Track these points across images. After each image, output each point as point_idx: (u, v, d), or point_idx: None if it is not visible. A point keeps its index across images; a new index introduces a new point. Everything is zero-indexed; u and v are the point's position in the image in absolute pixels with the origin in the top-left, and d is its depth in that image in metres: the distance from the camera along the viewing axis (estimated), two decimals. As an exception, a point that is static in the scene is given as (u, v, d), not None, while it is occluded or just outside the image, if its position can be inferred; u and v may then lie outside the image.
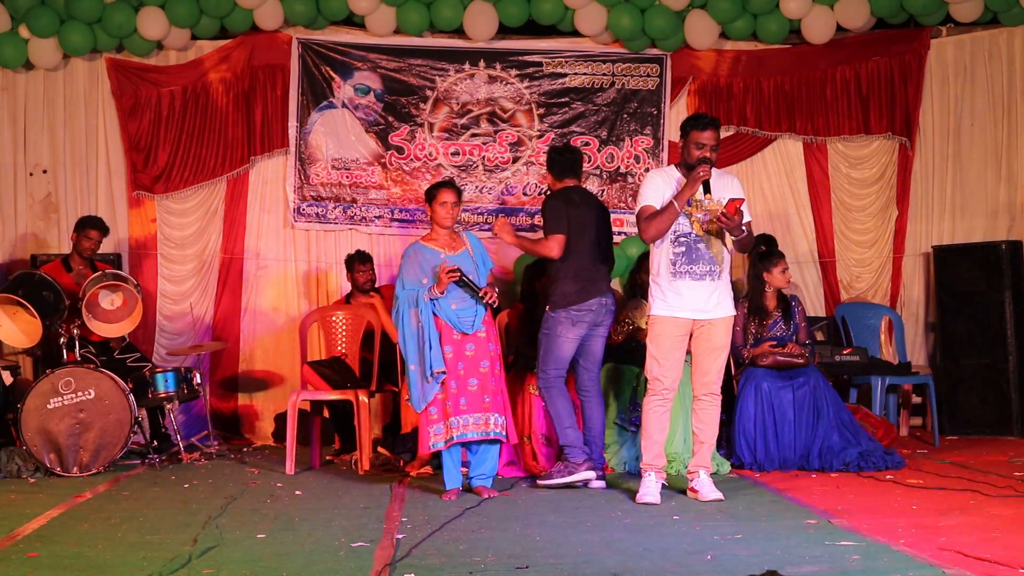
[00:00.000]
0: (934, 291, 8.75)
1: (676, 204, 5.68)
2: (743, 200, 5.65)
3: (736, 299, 7.42)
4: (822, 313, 8.84)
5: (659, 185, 5.84)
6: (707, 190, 5.66)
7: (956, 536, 4.57)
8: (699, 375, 5.90)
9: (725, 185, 5.84)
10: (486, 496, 5.87)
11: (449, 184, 6.22)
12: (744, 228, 5.68)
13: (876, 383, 7.76)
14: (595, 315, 6.25)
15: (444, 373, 5.87)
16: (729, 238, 5.79)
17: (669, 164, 8.64)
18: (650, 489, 5.78)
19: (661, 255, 5.83)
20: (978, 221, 8.88)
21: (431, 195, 6.15)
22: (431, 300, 5.91)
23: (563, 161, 6.56)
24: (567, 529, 4.98)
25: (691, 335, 5.87)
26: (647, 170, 8.54)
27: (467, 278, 5.91)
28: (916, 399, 8.69)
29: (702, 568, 4.14)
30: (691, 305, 5.78)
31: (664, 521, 5.17)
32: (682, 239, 5.77)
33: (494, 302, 5.95)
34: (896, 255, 8.94)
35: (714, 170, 5.80)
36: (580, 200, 6.41)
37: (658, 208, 5.75)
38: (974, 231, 8.86)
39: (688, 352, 5.98)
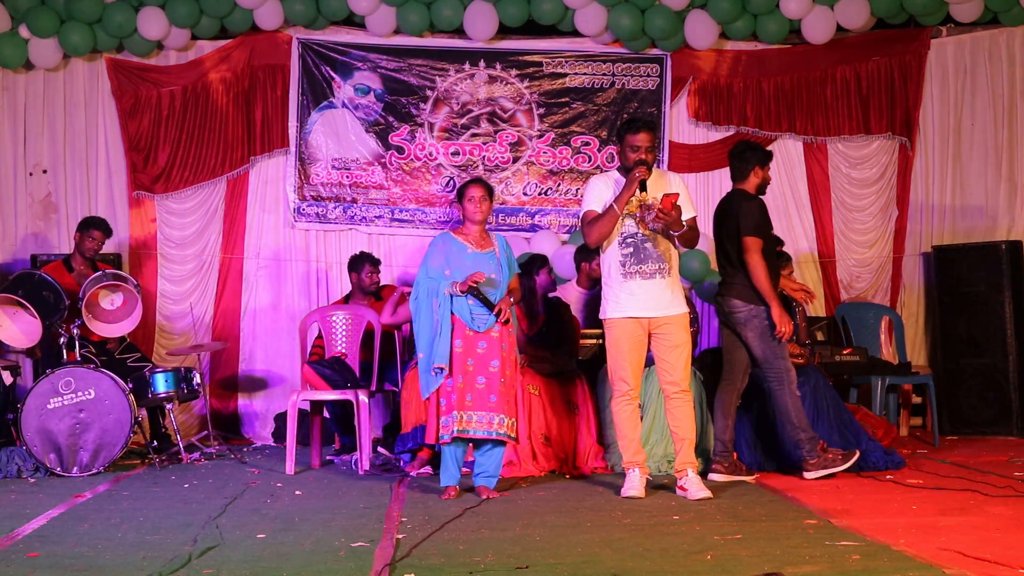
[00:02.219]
0: (934, 291, 8.75)
1: (616, 207, 5.84)
2: (678, 195, 5.75)
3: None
4: (822, 313, 8.84)
5: (600, 190, 6.00)
6: (643, 189, 5.81)
7: (956, 536, 4.57)
8: (665, 375, 5.96)
9: (668, 183, 5.97)
10: (486, 496, 5.86)
11: (477, 180, 6.21)
12: (684, 224, 5.79)
13: (876, 383, 7.76)
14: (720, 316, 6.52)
15: (443, 370, 5.87)
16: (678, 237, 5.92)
17: (670, 164, 8.75)
18: (633, 483, 5.89)
19: (610, 258, 5.96)
20: (978, 221, 8.89)
21: (461, 192, 6.14)
22: (450, 295, 5.91)
23: (729, 168, 6.68)
24: (567, 529, 4.98)
25: (650, 337, 5.95)
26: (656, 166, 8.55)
27: (483, 293, 5.90)
28: (916, 399, 8.69)
29: (702, 568, 4.14)
30: (644, 303, 5.89)
31: (664, 521, 5.16)
32: (629, 240, 5.90)
33: (506, 320, 5.94)
34: (896, 255, 8.94)
35: (655, 169, 5.99)
36: (716, 211, 6.64)
37: (600, 212, 5.89)
38: (974, 231, 8.86)
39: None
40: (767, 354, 6.33)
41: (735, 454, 6.49)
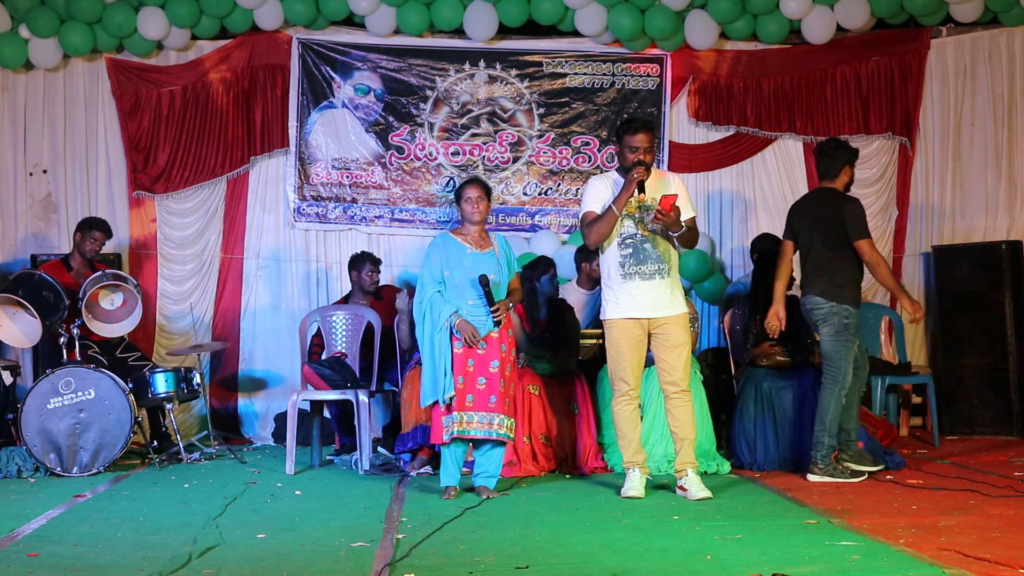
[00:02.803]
0: (934, 291, 8.75)
1: (614, 208, 5.84)
2: (676, 196, 5.75)
3: (739, 298, 7.45)
4: (822, 313, 8.82)
5: (599, 191, 6.00)
6: (641, 190, 5.81)
7: (956, 536, 4.58)
8: (665, 375, 5.96)
9: (667, 184, 5.98)
10: (486, 496, 5.87)
11: (474, 180, 6.21)
12: (684, 225, 5.79)
13: (876, 383, 7.75)
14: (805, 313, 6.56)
15: (453, 398, 5.89)
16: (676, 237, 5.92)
17: (670, 164, 8.75)
18: (634, 483, 5.91)
19: (610, 258, 5.97)
20: (978, 221, 8.88)
21: (458, 193, 6.15)
22: (451, 325, 5.90)
23: (817, 165, 6.70)
24: (567, 529, 4.98)
25: (649, 337, 5.95)
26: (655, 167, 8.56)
27: (490, 288, 5.89)
28: (916, 399, 8.68)
29: (702, 568, 4.14)
30: (643, 304, 5.89)
31: (664, 521, 5.17)
32: (628, 241, 5.91)
33: (499, 320, 5.94)
34: (896, 255, 8.93)
35: (655, 169, 6.00)
36: (800, 207, 6.67)
37: (599, 213, 5.89)
38: (974, 231, 8.86)
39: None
40: (835, 353, 6.35)
41: (835, 452, 6.41)
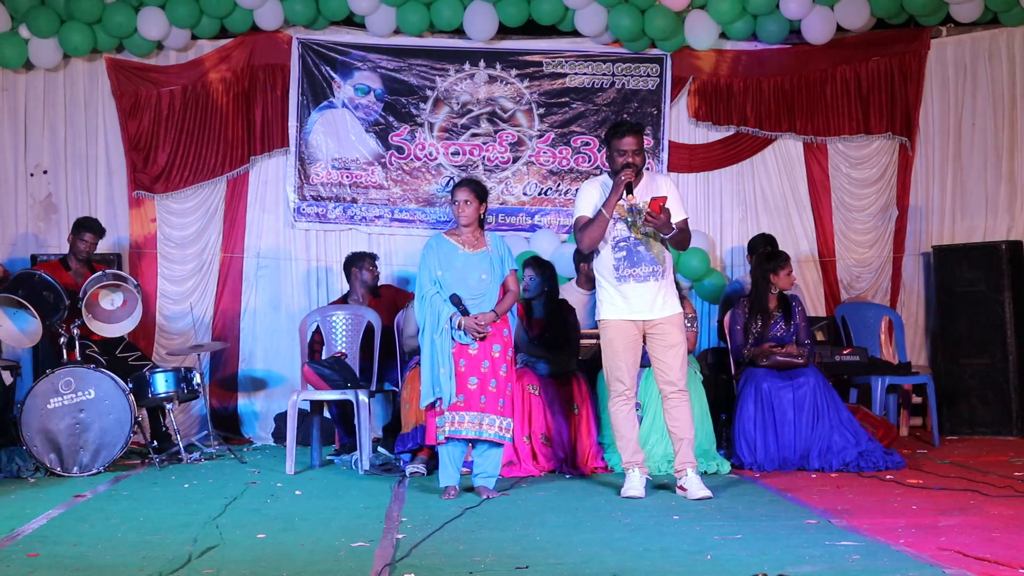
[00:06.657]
0: (934, 291, 8.75)
1: (604, 211, 5.84)
2: (665, 198, 5.75)
3: (738, 298, 7.45)
4: (822, 313, 8.84)
5: (591, 195, 6.00)
6: (629, 192, 5.80)
7: (956, 536, 4.57)
8: (661, 375, 5.95)
9: (657, 187, 5.97)
10: (486, 496, 5.87)
11: (464, 183, 6.17)
12: (675, 227, 5.78)
13: (876, 383, 7.76)
14: None
15: (461, 398, 5.91)
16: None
17: (669, 165, 8.76)
18: (634, 483, 5.90)
19: (604, 261, 5.97)
20: (978, 221, 8.89)
21: (452, 194, 6.15)
22: (451, 327, 5.91)
23: None
24: (567, 529, 4.98)
25: (644, 338, 5.95)
26: (647, 170, 8.56)
27: (464, 306, 5.90)
28: (916, 399, 8.68)
29: (702, 568, 4.14)
30: (638, 306, 5.89)
31: (664, 521, 5.16)
32: (621, 243, 5.90)
33: (470, 333, 5.91)
34: (896, 255, 8.94)
35: (646, 172, 6.02)
36: None
37: (590, 217, 5.89)
38: (974, 231, 8.86)
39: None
40: None
41: None
